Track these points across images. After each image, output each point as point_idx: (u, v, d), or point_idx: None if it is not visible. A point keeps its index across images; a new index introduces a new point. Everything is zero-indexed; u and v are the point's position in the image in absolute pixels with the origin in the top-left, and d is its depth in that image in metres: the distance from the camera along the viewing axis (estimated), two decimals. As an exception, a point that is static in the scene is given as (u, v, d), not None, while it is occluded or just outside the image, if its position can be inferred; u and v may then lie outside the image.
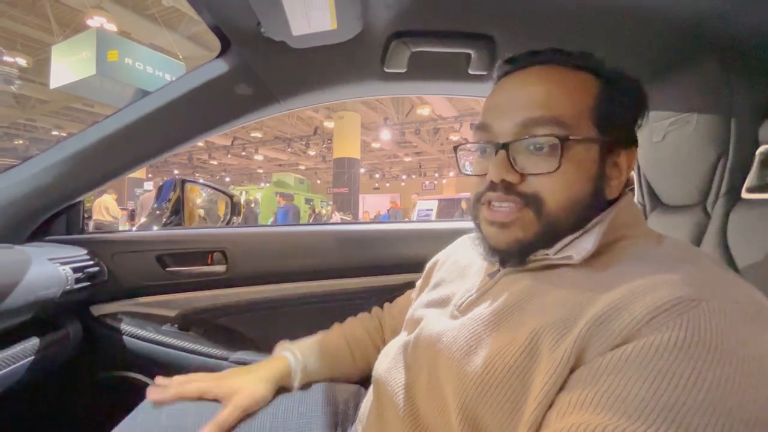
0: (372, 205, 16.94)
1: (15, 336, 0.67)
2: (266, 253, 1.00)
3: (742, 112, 0.60)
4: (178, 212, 1.15)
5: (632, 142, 0.44)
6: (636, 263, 0.37)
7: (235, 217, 1.36)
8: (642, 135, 0.69)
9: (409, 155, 18.36)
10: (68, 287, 0.73)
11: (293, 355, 0.64)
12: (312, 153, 16.23)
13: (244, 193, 12.36)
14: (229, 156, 16.02)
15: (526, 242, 0.42)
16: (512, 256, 0.44)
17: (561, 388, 0.32)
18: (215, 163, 19.43)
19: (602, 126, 0.41)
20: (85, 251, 0.84)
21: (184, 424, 0.54)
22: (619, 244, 0.40)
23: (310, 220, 10.82)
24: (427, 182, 20.09)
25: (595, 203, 0.42)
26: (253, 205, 10.71)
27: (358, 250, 1.02)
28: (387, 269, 1.00)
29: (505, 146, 0.42)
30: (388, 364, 0.52)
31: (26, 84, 9.39)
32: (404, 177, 22.12)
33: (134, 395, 0.59)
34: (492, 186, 0.43)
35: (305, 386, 0.65)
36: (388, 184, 23.31)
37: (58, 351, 0.76)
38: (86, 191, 0.84)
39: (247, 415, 0.56)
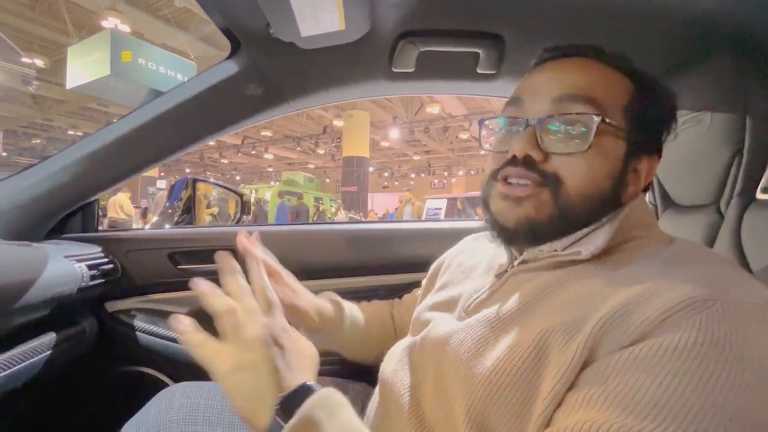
0: (380, 204, 16.94)
1: (33, 331, 0.69)
2: (275, 252, 1.01)
3: (758, 111, 0.58)
4: (189, 211, 1.17)
5: (655, 152, 0.44)
6: (647, 263, 0.36)
7: (245, 216, 1.38)
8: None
9: (419, 154, 18.32)
10: (84, 284, 0.74)
11: (345, 306, 0.64)
12: (321, 152, 16.32)
13: (253, 191, 12.48)
14: (240, 155, 16.20)
15: (536, 222, 0.41)
16: (520, 236, 0.43)
17: (570, 388, 0.31)
18: (226, 161, 19.66)
19: (632, 125, 0.41)
20: (100, 249, 0.86)
21: (194, 417, 0.55)
22: (629, 244, 0.40)
23: (315, 218, 10.93)
24: (436, 181, 20.03)
25: (609, 202, 0.41)
26: (263, 204, 10.85)
27: (366, 249, 1.02)
28: (395, 268, 1.01)
29: (533, 122, 0.41)
30: (394, 366, 0.52)
31: (43, 84, 9.61)
32: (413, 176, 22.08)
33: (147, 389, 0.60)
34: (513, 161, 0.42)
35: None
36: (397, 183, 23.31)
37: (74, 346, 0.78)
38: (101, 190, 0.86)
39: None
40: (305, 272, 1.02)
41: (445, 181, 20.38)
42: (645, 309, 0.30)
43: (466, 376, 0.38)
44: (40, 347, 0.69)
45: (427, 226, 1.07)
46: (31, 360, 0.66)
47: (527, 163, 0.41)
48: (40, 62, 8.34)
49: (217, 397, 0.59)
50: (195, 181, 1.21)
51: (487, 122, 0.48)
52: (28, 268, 0.64)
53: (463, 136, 14.38)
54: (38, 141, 15.83)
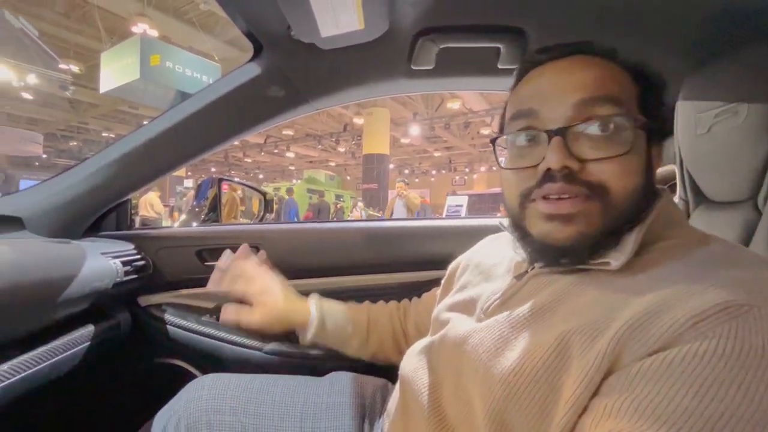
0: (400, 201, 16.87)
1: (73, 323, 0.73)
2: (297, 249, 1.03)
3: None
4: (215, 209, 1.21)
5: (662, 137, 0.43)
6: (678, 265, 0.35)
7: (268, 214, 1.42)
8: (685, 127, 0.66)
9: (439, 150, 18.15)
10: (119, 279, 0.78)
11: (317, 311, 0.72)
12: (342, 149, 16.42)
13: (274, 190, 12.79)
14: (263, 154, 16.52)
15: (589, 237, 0.39)
16: (573, 253, 0.40)
17: (595, 393, 0.31)
18: (249, 160, 20.09)
19: (646, 114, 0.40)
20: (133, 246, 0.90)
21: (221, 407, 0.57)
22: (658, 244, 0.38)
23: (333, 215, 11.12)
24: (457, 177, 19.79)
25: (646, 196, 0.40)
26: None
27: (385, 246, 1.03)
28: (414, 265, 1.01)
29: (560, 131, 0.38)
30: (413, 365, 0.52)
31: (79, 89, 10.10)
32: (434, 172, 21.92)
33: (178, 380, 0.63)
34: (549, 177, 0.39)
35: (334, 377, 0.67)
36: (417, 180, 23.18)
37: (109, 338, 0.83)
38: (134, 190, 0.90)
39: (279, 403, 0.59)
40: (329, 269, 1.04)
41: (466, 177, 20.12)
42: (674, 313, 0.29)
43: (485, 375, 0.38)
44: (79, 338, 0.73)
45: (446, 224, 1.07)
46: (73, 350, 0.70)
47: (566, 175, 0.38)
48: (75, 68, 8.77)
49: (242, 388, 0.61)
50: (220, 180, 1.25)
51: (499, 139, 0.46)
52: (69, 264, 0.68)
53: (485, 131, 14.12)
54: (75, 143, 16.67)
